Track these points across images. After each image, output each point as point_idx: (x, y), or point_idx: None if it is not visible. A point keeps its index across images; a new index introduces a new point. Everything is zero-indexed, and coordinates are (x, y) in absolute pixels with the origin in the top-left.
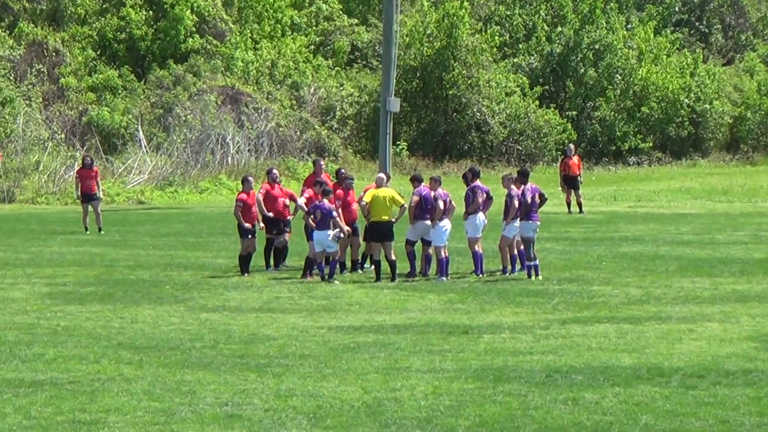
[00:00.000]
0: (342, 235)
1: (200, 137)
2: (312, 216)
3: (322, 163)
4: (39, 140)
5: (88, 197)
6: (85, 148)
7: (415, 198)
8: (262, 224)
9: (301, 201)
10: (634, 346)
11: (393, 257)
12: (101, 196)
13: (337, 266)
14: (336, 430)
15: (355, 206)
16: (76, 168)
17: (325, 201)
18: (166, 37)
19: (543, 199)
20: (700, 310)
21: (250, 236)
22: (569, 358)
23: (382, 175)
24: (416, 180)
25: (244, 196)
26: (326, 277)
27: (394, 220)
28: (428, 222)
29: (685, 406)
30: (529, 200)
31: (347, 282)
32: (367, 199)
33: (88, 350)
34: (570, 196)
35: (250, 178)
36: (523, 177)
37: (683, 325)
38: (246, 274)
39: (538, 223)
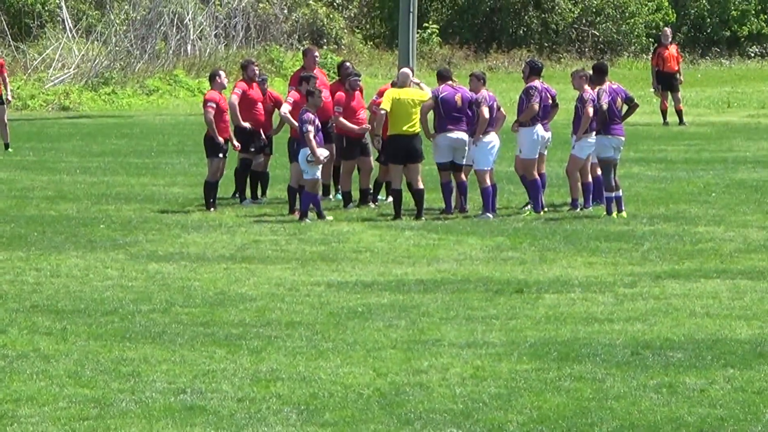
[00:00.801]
0: (311, 159)
1: (148, 17)
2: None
3: (316, 53)
4: None
5: None
6: None
7: (428, 102)
8: (236, 142)
9: (285, 109)
10: (756, 312)
11: (420, 185)
12: (9, 98)
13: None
14: (337, 427)
15: (363, 114)
16: None
17: (308, 108)
18: None
19: (631, 105)
20: None
21: (221, 155)
22: (664, 327)
23: (406, 70)
24: (441, 77)
25: (216, 95)
26: (321, 214)
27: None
28: (455, 135)
29: None
30: (605, 106)
31: (354, 220)
32: (385, 105)
33: None
34: (666, 100)
35: (221, 72)
36: (600, 74)
37: None
38: (212, 209)
39: (623, 138)
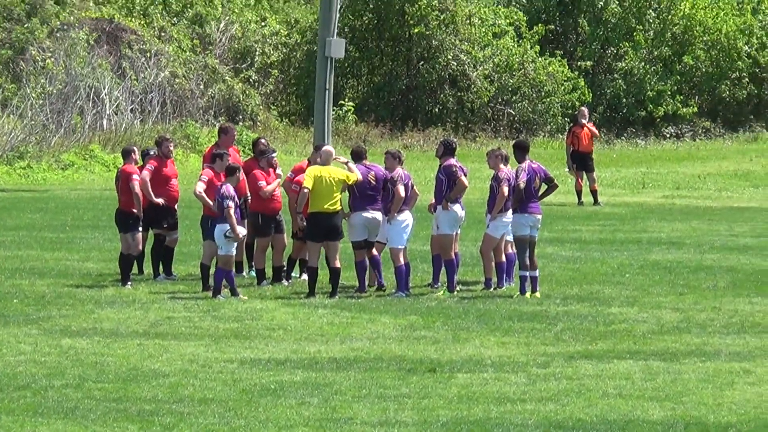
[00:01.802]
0: (230, 235)
1: (65, 91)
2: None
3: (233, 130)
4: None
5: None
6: None
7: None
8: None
9: (199, 188)
10: (668, 393)
11: (338, 264)
12: None
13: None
14: None
15: (278, 191)
16: None
17: (228, 184)
18: None
19: (551, 185)
20: (761, 342)
21: (141, 228)
22: (576, 407)
23: (329, 148)
24: (355, 154)
25: (135, 169)
26: (235, 291)
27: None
28: (369, 214)
29: None
30: (522, 185)
31: (267, 297)
32: (308, 183)
33: None
34: (581, 179)
35: (135, 148)
36: (520, 151)
37: (737, 364)
38: (129, 284)
39: (540, 216)
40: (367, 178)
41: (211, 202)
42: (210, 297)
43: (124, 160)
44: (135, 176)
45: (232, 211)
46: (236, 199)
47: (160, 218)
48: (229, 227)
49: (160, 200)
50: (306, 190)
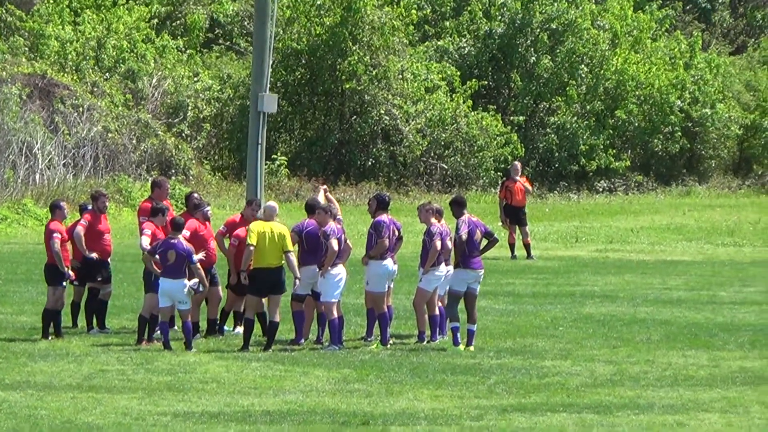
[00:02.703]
0: (202, 288)
1: None
2: (159, 258)
3: (167, 183)
4: None
5: None
6: None
7: (292, 235)
8: (71, 273)
9: (145, 242)
10: None
11: (278, 318)
12: None
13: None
14: None
15: (213, 244)
16: None
17: (180, 238)
18: None
19: (491, 240)
20: (695, 395)
21: (64, 284)
22: None
23: (273, 203)
24: (310, 209)
25: (59, 226)
26: (168, 344)
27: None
28: (314, 267)
29: None
30: (464, 236)
31: (201, 350)
32: (252, 240)
33: None
34: (514, 233)
35: (62, 203)
36: (458, 206)
37: (670, 417)
38: (52, 337)
39: (482, 271)
40: (316, 232)
41: (154, 256)
42: (144, 349)
43: (51, 215)
44: (56, 234)
45: (199, 266)
46: (194, 254)
47: (94, 272)
48: (192, 282)
49: (94, 255)
50: (251, 248)
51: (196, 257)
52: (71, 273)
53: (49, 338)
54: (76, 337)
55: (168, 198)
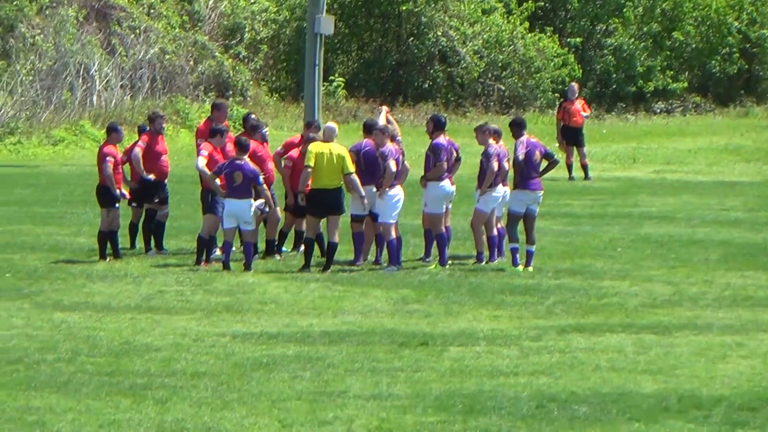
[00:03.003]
0: (267, 209)
1: (54, 67)
2: (225, 179)
3: (227, 106)
4: None
5: None
6: None
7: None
8: (126, 193)
9: (201, 162)
10: (660, 366)
11: (336, 238)
12: None
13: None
14: None
15: (270, 165)
16: None
17: (247, 159)
18: None
19: (551, 161)
20: (753, 316)
21: (116, 206)
22: (569, 381)
23: (332, 124)
24: (367, 128)
25: (113, 149)
26: (245, 265)
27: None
28: (370, 187)
29: None
30: (521, 157)
31: (259, 271)
32: (310, 161)
33: None
34: (572, 155)
35: (119, 127)
36: (517, 128)
37: (729, 338)
38: (109, 258)
39: (541, 192)
40: (372, 154)
41: (210, 174)
42: (203, 270)
43: (107, 138)
44: (109, 158)
45: (265, 187)
46: (260, 175)
47: (151, 193)
48: (258, 202)
49: (152, 176)
50: (309, 169)
51: (254, 204)
52: (126, 192)
53: (107, 259)
54: (134, 259)
55: (227, 120)
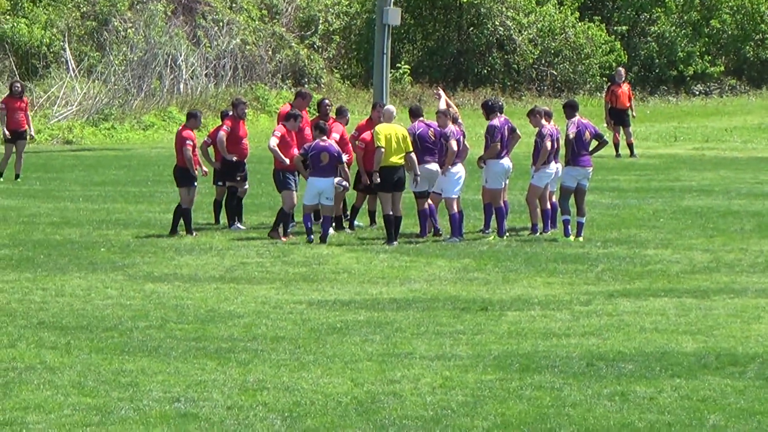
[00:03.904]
0: (346, 184)
1: (144, 58)
2: (311, 159)
3: (310, 96)
4: None
5: (16, 135)
6: None
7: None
8: (205, 170)
9: (273, 142)
10: (700, 327)
11: (400, 212)
12: (32, 134)
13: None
14: None
15: (349, 147)
16: (2, 97)
17: (331, 141)
18: None
19: (600, 141)
20: None
21: (195, 184)
22: (616, 341)
23: (390, 107)
24: (414, 114)
25: (191, 133)
26: (321, 238)
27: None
28: (430, 166)
29: (765, 402)
30: (571, 135)
31: (332, 244)
32: (381, 142)
33: (1, 331)
34: (618, 134)
35: (198, 113)
36: (570, 110)
37: (762, 300)
38: (181, 232)
39: (590, 168)
40: (427, 133)
41: (282, 156)
42: (281, 243)
43: (186, 121)
44: (189, 141)
45: (345, 165)
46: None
47: (233, 172)
48: (338, 179)
49: (234, 157)
50: (382, 149)
51: (336, 181)
52: (205, 169)
53: (177, 233)
54: (218, 233)
55: (307, 108)
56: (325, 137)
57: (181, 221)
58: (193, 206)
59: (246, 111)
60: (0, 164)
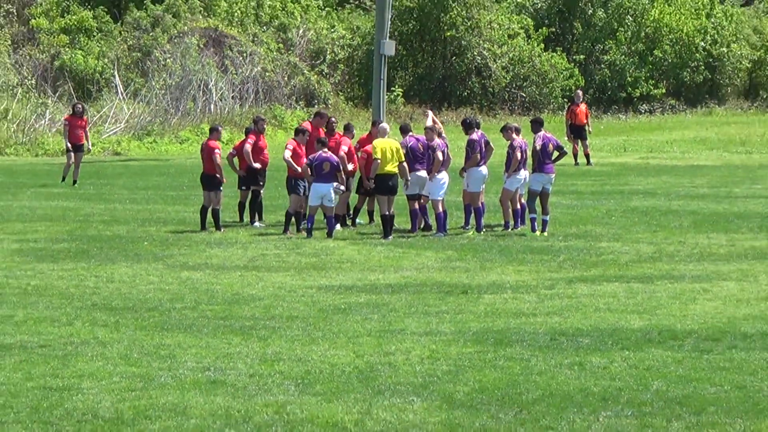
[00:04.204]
0: (344, 189)
1: (181, 83)
2: (315, 167)
3: (326, 116)
4: (7, 86)
5: (75, 148)
6: (57, 94)
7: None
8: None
9: (287, 154)
10: (645, 307)
11: (393, 211)
12: (90, 147)
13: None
14: (326, 396)
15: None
16: (66, 115)
17: (330, 153)
18: None
19: (561, 152)
20: (716, 268)
21: (222, 188)
22: (575, 319)
23: (385, 125)
24: (404, 130)
25: (217, 144)
26: (327, 233)
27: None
28: (420, 173)
29: (699, 371)
30: (538, 147)
31: (338, 238)
32: (378, 154)
33: (60, 311)
34: (577, 146)
35: (220, 127)
36: (537, 125)
37: (697, 285)
38: (211, 229)
39: (553, 174)
40: (417, 146)
41: (295, 165)
42: (291, 237)
43: (210, 135)
44: (217, 150)
45: (344, 173)
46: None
47: (256, 178)
48: (336, 185)
49: (258, 165)
50: (378, 160)
51: (335, 186)
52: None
53: (207, 229)
54: (242, 230)
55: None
56: (326, 149)
57: (211, 218)
58: (221, 207)
59: (265, 126)
60: (63, 171)
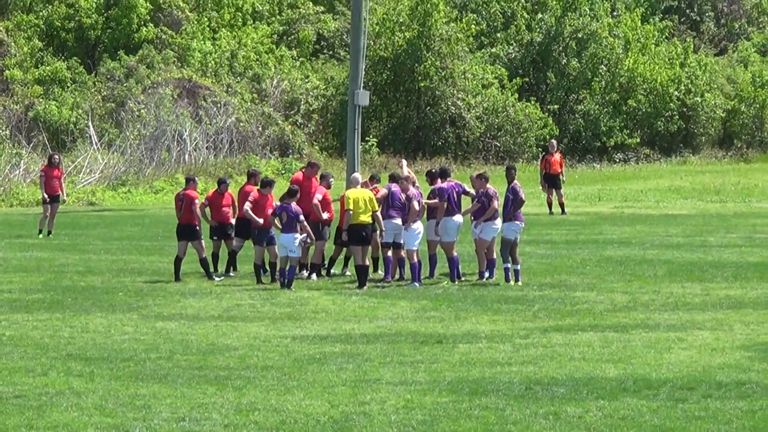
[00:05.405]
0: (309, 241)
1: (155, 133)
2: (279, 217)
3: (318, 166)
4: None
5: (52, 198)
6: (31, 145)
7: (383, 191)
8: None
9: (247, 206)
10: (620, 356)
11: (367, 262)
12: (65, 198)
13: (308, 270)
14: None
15: (333, 206)
16: (42, 166)
17: (292, 203)
18: (117, 26)
19: (518, 201)
20: (691, 317)
21: (201, 237)
22: (550, 369)
23: (357, 175)
24: (393, 179)
25: (195, 194)
26: (286, 283)
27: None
28: (396, 221)
29: (675, 420)
30: (512, 197)
31: (312, 288)
32: (349, 205)
33: (35, 362)
34: (551, 195)
35: (195, 177)
36: (512, 173)
37: (672, 334)
38: (215, 278)
39: (523, 225)
40: (398, 193)
41: (256, 218)
42: (279, 288)
43: (186, 185)
44: (196, 201)
45: (305, 224)
46: (301, 214)
47: (245, 231)
48: (302, 236)
49: (262, 220)
50: (350, 211)
51: (298, 237)
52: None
53: (181, 280)
54: (216, 280)
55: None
56: (291, 200)
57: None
58: (205, 254)
59: (259, 179)
60: (39, 224)
